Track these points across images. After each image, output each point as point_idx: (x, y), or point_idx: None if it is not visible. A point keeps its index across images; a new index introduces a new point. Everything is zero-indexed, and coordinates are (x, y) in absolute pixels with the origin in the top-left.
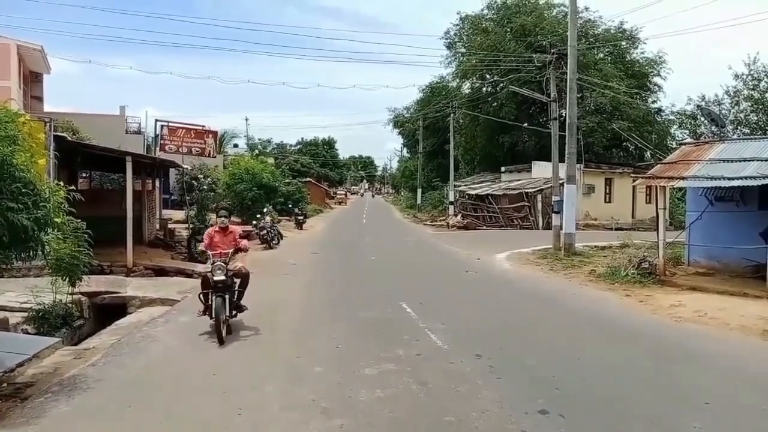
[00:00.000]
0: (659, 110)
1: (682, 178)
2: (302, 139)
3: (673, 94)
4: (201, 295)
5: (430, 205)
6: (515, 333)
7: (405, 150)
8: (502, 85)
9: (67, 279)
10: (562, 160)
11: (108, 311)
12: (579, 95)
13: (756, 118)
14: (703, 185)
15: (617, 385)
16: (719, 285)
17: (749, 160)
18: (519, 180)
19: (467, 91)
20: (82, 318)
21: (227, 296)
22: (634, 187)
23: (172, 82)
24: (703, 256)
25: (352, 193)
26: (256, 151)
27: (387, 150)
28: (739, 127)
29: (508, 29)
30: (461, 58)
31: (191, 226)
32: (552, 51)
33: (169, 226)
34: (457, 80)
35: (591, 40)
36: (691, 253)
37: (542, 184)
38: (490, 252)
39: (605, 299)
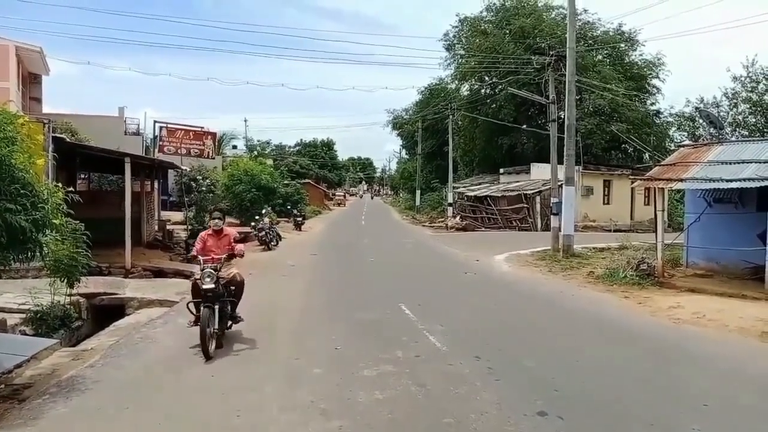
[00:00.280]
0: (658, 112)
1: (681, 180)
2: (301, 140)
3: (672, 95)
4: (190, 305)
5: (428, 207)
6: (514, 334)
7: (404, 151)
8: (501, 86)
9: (66, 280)
10: (560, 161)
11: (106, 312)
12: (578, 97)
13: (754, 120)
14: (701, 187)
15: (616, 387)
16: (718, 287)
17: (748, 162)
18: (518, 182)
19: (466, 93)
20: (81, 319)
21: (217, 307)
22: (632, 188)
23: (171, 84)
24: (701, 258)
25: (350, 195)
26: (255, 153)
27: (386, 151)
28: (737, 129)
29: (507, 31)
30: (460, 60)
31: (190, 227)
32: (551, 53)
33: (168, 227)
34: (456, 82)
35: (590, 42)
36: (689, 254)
37: (541, 186)
38: (489, 253)
39: (604, 301)
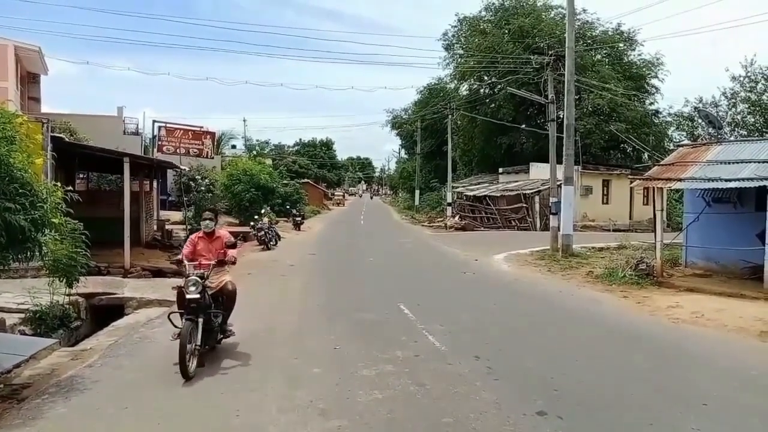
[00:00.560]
0: (657, 112)
1: (680, 180)
2: (300, 140)
3: (671, 95)
4: (172, 316)
5: (428, 207)
6: (513, 334)
7: (403, 151)
8: (500, 86)
9: (65, 280)
10: (559, 161)
11: (105, 312)
12: (577, 97)
13: (753, 120)
14: (700, 187)
15: (615, 386)
16: (716, 286)
17: (746, 162)
18: (517, 181)
19: (465, 93)
20: (80, 319)
21: (201, 320)
22: (631, 188)
23: (170, 84)
24: (700, 258)
25: (350, 195)
26: (254, 152)
27: (385, 151)
28: (736, 129)
29: (506, 31)
30: (459, 60)
31: (189, 227)
32: (550, 53)
33: (167, 227)
34: (455, 82)
35: (589, 41)
36: (688, 254)
37: (540, 186)
38: (488, 253)
39: (603, 300)
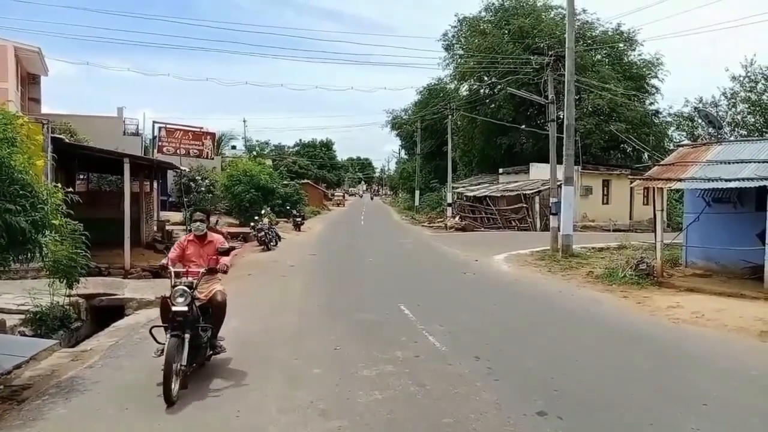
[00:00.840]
0: (657, 112)
1: (680, 180)
2: (300, 140)
3: (671, 95)
4: (154, 330)
5: (428, 207)
6: (513, 335)
7: (403, 152)
8: (499, 86)
9: (65, 281)
10: (559, 161)
11: (105, 313)
12: (577, 97)
13: (753, 119)
14: (700, 187)
15: (615, 387)
16: (717, 286)
17: (746, 162)
18: (517, 181)
19: (465, 93)
20: (80, 320)
21: (188, 336)
22: (631, 188)
23: (170, 84)
24: (700, 258)
25: (350, 195)
26: (254, 153)
27: (385, 152)
28: (736, 129)
29: (506, 31)
30: (459, 60)
31: (189, 228)
32: (550, 53)
33: (167, 227)
34: (455, 82)
35: (589, 42)
36: (688, 254)
37: (540, 186)
38: (488, 253)
39: (603, 301)
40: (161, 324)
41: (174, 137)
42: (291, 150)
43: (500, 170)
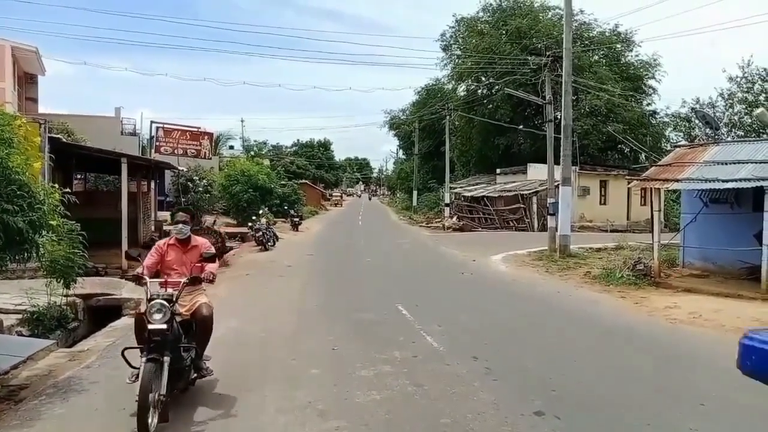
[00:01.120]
0: (654, 113)
1: (677, 181)
2: (298, 140)
3: (668, 96)
4: (126, 352)
5: (425, 207)
6: (511, 335)
7: (401, 152)
8: (497, 87)
9: (62, 281)
10: (557, 162)
11: (103, 313)
12: (574, 98)
13: (750, 120)
14: (697, 187)
15: (613, 387)
16: (714, 287)
17: (743, 163)
18: (514, 182)
19: (463, 93)
20: (77, 320)
21: (167, 359)
22: (629, 189)
23: (168, 84)
24: (697, 258)
25: (348, 195)
26: (252, 153)
27: (383, 152)
28: (733, 130)
29: (504, 32)
30: (457, 60)
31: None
32: (547, 53)
33: (165, 227)
34: (453, 82)
35: (586, 42)
36: (685, 254)
37: (537, 186)
38: (486, 254)
39: (600, 301)
40: (136, 345)
41: (171, 137)
42: (289, 150)
43: (498, 170)
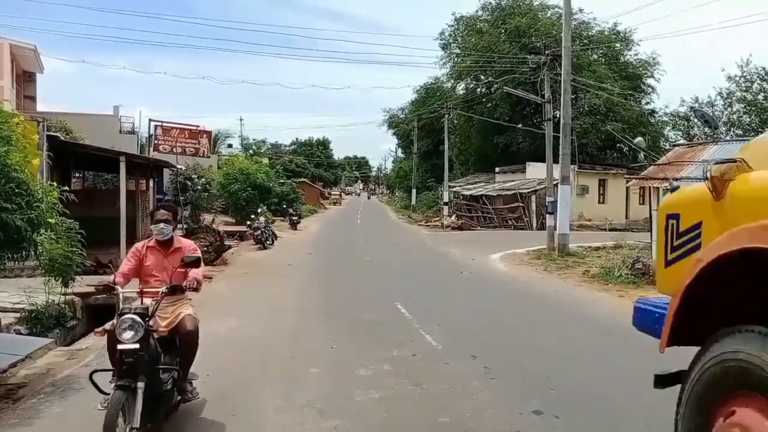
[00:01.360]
0: (653, 112)
1: (676, 179)
2: (297, 139)
3: (668, 95)
4: (95, 375)
5: (424, 206)
6: (510, 334)
7: (400, 151)
8: (496, 86)
9: (60, 279)
10: (556, 161)
11: (101, 312)
12: (573, 96)
13: (749, 119)
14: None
15: (612, 386)
16: None
17: None
18: (513, 181)
19: (462, 92)
20: (75, 318)
21: (141, 384)
22: (627, 188)
23: (166, 82)
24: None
25: (346, 194)
26: (251, 152)
27: (382, 150)
28: (732, 129)
29: (503, 30)
30: (456, 59)
31: (185, 226)
32: (546, 52)
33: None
34: (452, 81)
35: (585, 41)
36: None
37: (536, 185)
38: (485, 252)
39: (599, 300)
40: (109, 367)
41: (170, 135)
42: (288, 148)
43: (497, 169)
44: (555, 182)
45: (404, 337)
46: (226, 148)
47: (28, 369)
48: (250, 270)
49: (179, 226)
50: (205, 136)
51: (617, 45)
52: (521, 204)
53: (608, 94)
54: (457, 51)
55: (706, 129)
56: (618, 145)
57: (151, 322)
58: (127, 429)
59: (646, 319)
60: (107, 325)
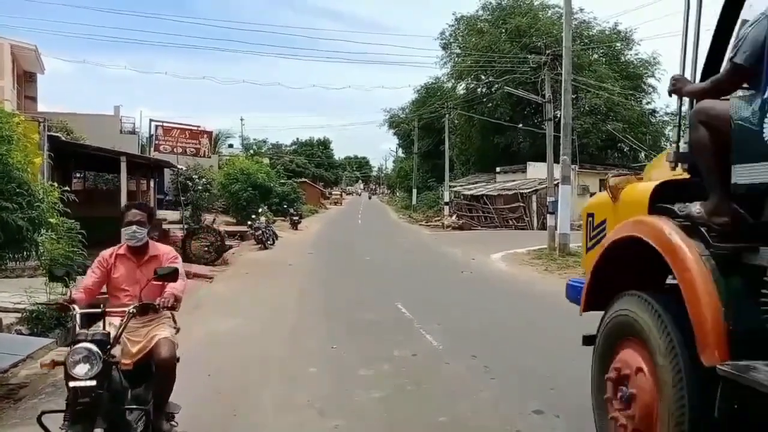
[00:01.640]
0: (654, 111)
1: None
2: (297, 139)
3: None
4: (45, 417)
5: (425, 206)
6: (511, 333)
7: (400, 150)
8: (497, 85)
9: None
10: (556, 160)
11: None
12: (574, 96)
13: None
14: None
15: None
16: None
17: None
18: (514, 180)
19: (462, 92)
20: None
21: (99, 431)
22: None
23: (167, 82)
24: None
25: (347, 194)
26: (251, 152)
27: (382, 150)
28: None
29: (503, 30)
30: (456, 59)
31: (186, 226)
32: (547, 52)
33: (164, 226)
34: (452, 81)
35: (586, 41)
36: None
37: (537, 185)
38: (486, 252)
39: None
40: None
41: (171, 135)
42: (288, 148)
43: (497, 169)
44: (556, 182)
45: (404, 336)
46: (226, 148)
47: (29, 369)
48: (250, 270)
49: (181, 226)
50: (205, 136)
51: (618, 45)
52: (522, 204)
53: (609, 94)
54: (458, 51)
55: None
56: (619, 144)
57: (114, 351)
58: None
59: (573, 293)
60: (56, 355)
